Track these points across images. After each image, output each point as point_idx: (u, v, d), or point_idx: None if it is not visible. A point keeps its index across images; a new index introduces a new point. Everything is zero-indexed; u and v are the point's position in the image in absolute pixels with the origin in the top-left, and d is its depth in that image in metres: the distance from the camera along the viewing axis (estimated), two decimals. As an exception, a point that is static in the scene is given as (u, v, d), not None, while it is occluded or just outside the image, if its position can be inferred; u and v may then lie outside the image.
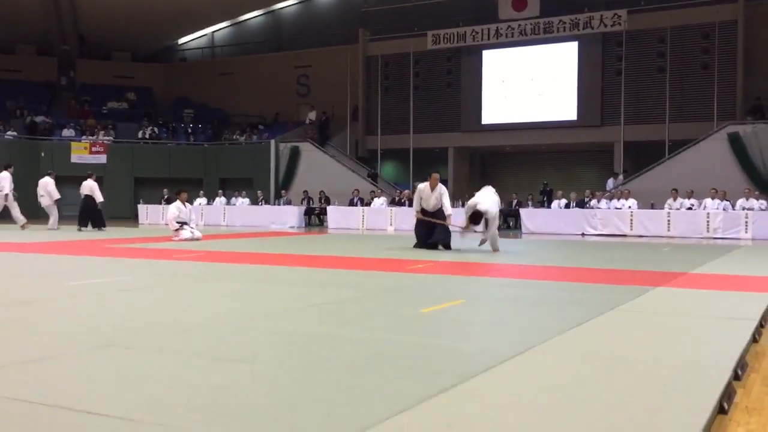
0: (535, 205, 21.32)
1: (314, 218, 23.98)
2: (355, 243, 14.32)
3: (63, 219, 18.42)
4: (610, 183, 22.83)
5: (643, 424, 2.53)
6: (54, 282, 6.82)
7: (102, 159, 27.02)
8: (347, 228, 20.49)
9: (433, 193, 11.75)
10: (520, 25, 25.13)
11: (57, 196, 17.67)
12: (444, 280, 7.38)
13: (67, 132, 28.03)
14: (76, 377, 3.17)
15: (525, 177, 27.66)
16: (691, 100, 23.41)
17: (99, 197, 17.82)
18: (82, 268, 8.35)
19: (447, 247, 11.36)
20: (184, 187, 15.17)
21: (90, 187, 17.81)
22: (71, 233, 16.01)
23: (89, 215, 17.62)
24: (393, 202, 21.90)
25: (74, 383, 3.06)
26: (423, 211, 11.75)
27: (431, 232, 11.57)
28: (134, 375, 3.21)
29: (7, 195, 16.89)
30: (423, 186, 11.90)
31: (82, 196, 17.76)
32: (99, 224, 17.51)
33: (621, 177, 22.68)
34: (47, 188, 17.63)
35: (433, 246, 11.34)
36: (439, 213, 11.61)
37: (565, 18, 24.49)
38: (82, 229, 17.22)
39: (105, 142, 27.72)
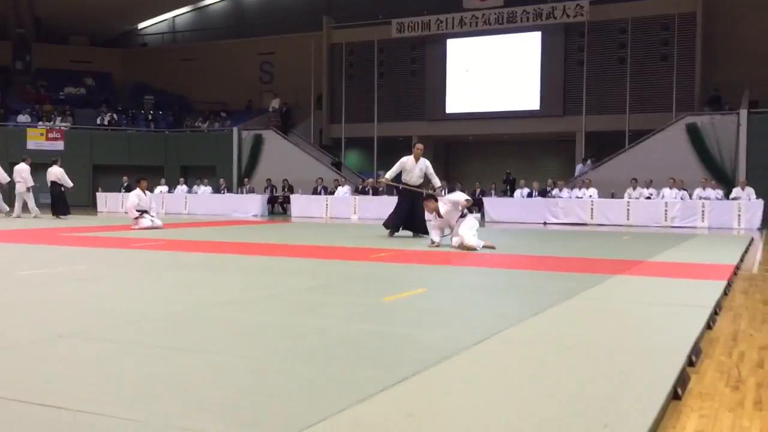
0: (498, 194, 21.47)
1: (277, 207, 23.82)
2: (318, 232, 14.26)
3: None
4: (579, 168, 23.09)
5: (600, 409, 2.55)
6: (3, 272, 6.65)
7: (59, 146, 26.42)
8: (311, 217, 20.40)
9: (417, 165, 11.37)
10: (484, 14, 25.21)
11: (31, 183, 17.49)
12: (407, 269, 7.38)
13: (23, 118, 27.35)
14: (28, 369, 3.09)
15: (488, 166, 27.86)
16: (650, 91, 23.78)
17: (68, 183, 17.59)
18: (36, 258, 8.16)
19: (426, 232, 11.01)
20: (145, 175, 14.96)
21: (56, 173, 17.54)
22: (32, 221, 15.67)
23: (56, 201, 17.42)
24: (357, 191, 21.86)
25: (25, 375, 2.98)
26: (405, 187, 11.35)
27: (412, 215, 11.24)
28: (88, 366, 3.14)
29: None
30: (407, 158, 11.50)
31: (49, 183, 17.51)
32: (62, 211, 17.25)
33: (590, 162, 22.94)
34: (22, 174, 17.41)
35: (410, 230, 11.06)
36: (421, 188, 11.26)
37: (528, 8, 24.64)
38: (61, 216, 16.97)
39: (62, 128, 27.11)
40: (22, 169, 17.49)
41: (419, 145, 11.59)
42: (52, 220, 16.40)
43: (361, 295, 5.42)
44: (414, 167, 11.41)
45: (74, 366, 3.14)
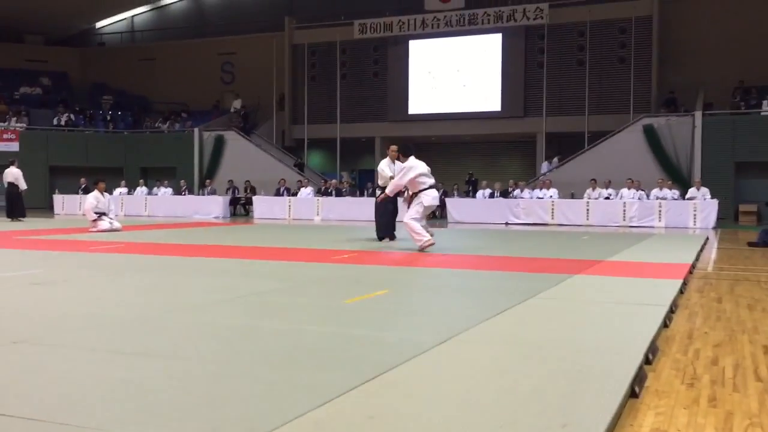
0: (460, 195, 21.59)
1: (240, 208, 23.62)
2: (281, 233, 14.17)
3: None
4: (545, 166, 23.34)
5: (559, 409, 2.58)
6: (-41, 276, 6.47)
7: (14, 147, 25.81)
8: (273, 218, 20.27)
9: (395, 167, 10.86)
10: (446, 16, 25.35)
11: None
12: (369, 271, 7.38)
13: (-24, 118, 26.65)
14: (-21, 377, 3.01)
15: (451, 167, 27.97)
16: (609, 93, 24.19)
17: (22, 185, 17.25)
18: (-9, 262, 7.94)
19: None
20: (103, 176, 14.70)
21: (13, 174, 17.20)
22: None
23: (12, 204, 17.07)
24: (320, 192, 21.79)
25: (-24, 384, 2.90)
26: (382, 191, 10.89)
27: (393, 219, 11.03)
28: (43, 373, 3.07)
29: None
30: (384, 162, 11.11)
31: (5, 185, 17.17)
32: (19, 214, 16.89)
33: (556, 160, 23.18)
34: None
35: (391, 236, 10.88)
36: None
37: (489, 10, 24.86)
38: (17, 219, 16.65)
39: (17, 129, 26.48)
40: None
41: (393, 147, 11.20)
42: (6, 222, 16.02)
43: (323, 297, 5.41)
44: (393, 169, 11.01)
45: (28, 373, 3.06)
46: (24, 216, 16.96)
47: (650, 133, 21.19)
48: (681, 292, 5.89)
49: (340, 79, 26.74)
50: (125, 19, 34.53)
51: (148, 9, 33.94)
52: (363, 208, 19.74)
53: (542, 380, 2.98)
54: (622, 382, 2.94)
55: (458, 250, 9.85)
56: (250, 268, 7.43)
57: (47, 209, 23.79)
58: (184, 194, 23.04)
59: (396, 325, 4.31)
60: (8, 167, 17.48)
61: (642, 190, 18.58)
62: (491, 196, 20.06)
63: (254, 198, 21.98)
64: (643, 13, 23.50)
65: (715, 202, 17.17)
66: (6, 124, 26.62)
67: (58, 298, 5.24)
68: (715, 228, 16.46)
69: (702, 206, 17.12)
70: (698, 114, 20.62)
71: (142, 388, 2.83)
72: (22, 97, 29.28)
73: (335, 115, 26.42)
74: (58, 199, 23.21)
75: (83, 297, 5.36)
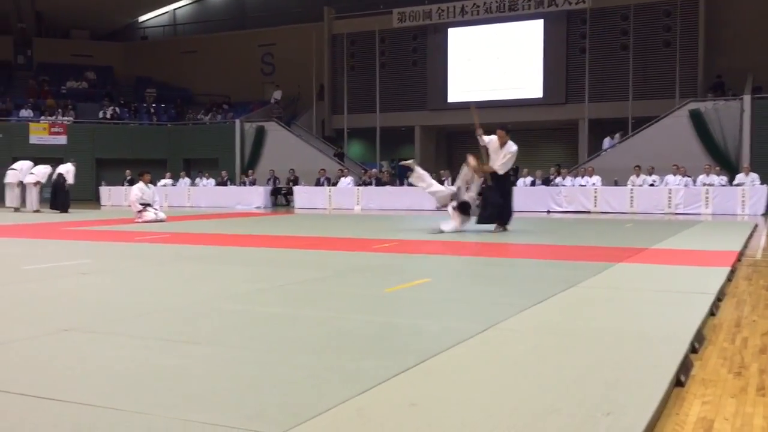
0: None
1: (281, 198, 23.83)
2: (321, 223, 14.26)
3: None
4: (607, 142, 22.94)
5: (602, 398, 2.55)
6: (8, 266, 6.67)
7: (62, 140, 26.46)
8: (314, 208, 20.41)
9: (502, 150, 10.65)
10: (485, 2, 25.09)
11: (43, 179, 17.97)
12: (410, 259, 7.38)
13: (25, 112, 27.36)
14: (32, 363, 3.10)
15: (491, 155, 27.74)
16: (653, 78, 23.66)
17: (70, 179, 17.83)
18: (40, 252, 8.18)
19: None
20: (147, 168, 14.97)
21: (66, 168, 17.83)
22: (33, 216, 15.71)
23: (57, 195, 17.60)
24: (360, 182, 21.85)
25: (30, 369, 2.99)
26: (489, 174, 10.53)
27: (507, 203, 10.58)
28: (92, 360, 3.15)
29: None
30: (490, 139, 10.74)
31: (56, 176, 17.76)
32: (62, 207, 17.36)
33: (618, 136, 22.74)
34: (37, 170, 17.88)
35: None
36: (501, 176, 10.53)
37: (530, -5, 24.51)
38: (62, 211, 17.19)
39: (65, 122, 27.12)
40: (24, 165, 17.90)
41: (501, 132, 10.93)
42: (53, 214, 16.45)
43: (364, 286, 5.43)
44: (498, 152, 10.76)
45: (78, 360, 3.15)
46: (67, 210, 17.34)
47: (697, 118, 20.68)
48: (729, 279, 5.76)
49: (380, 68, 26.69)
50: (167, 12, 35.01)
51: (190, 2, 34.36)
52: (403, 197, 19.76)
53: (585, 369, 2.95)
54: (668, 371, 2.89)
55: (499, 239, 9.77)
56: (291, 258, 7.50)
57: (94, 201, 24.36)
58: (227, 185, 23.35)
59: (437, 313, 4.31)
60: (65, 163, 18.15)
61: (688, 176, 18.19)
62: (532, 184, 19.85)
63: (295, 188, 22.15)
64: (689, -5, 22.91)
65: (765, 188, 16.73)
66: (54, 117, 27.28)
67: (105, 288, 5.37)
68: (764, 215, 16.04)
69: (751, 192, 16.69)
70: (747, 98, 20.05)
71: (187, 374, 2.88)
72: (68, 91, 29.96)
73: (374, 105, 26.40)
74: (104, 190, 23.74)
75: (130, 286, 5.48)
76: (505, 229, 10.56)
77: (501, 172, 10.46)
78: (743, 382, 3.01)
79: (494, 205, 10.56)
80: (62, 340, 3.53)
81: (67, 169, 17.75)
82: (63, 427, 2.29)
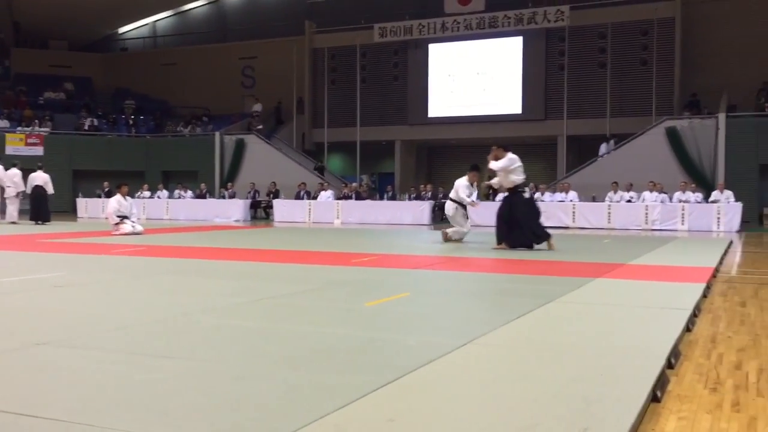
0: (480, 198, 21.46)
1: (260, 211, 23.71)
2: (301, 237, 14.21)
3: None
4: (603, 148, 23.06)
5: (580, 413, 2.56)
6: (-16, 279, 6.56)
7: (38, 151, 26.14)
8: (293, 221, 20.34)
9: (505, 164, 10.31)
10: (465, 19, 25.31)
11: (22, 188, 17.53)
12: (390, 273, 7.37)
13: (2, 123, 27.03)
14: (4, 378, 3.05)
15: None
16: (630, 95, 23.98)
17: (50, 189, 17.62)
18: (14, 264, 8.05)
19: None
20: (125, 180, 14.84)
21: (42, 178, 17.52)
22: (9, 228, 15.48)
23: (39, 207, 17.31)
24: (340, 196, 21.83)
25: (2, 384, 2.94)
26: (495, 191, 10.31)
27: (517, 224, 10.13)
28: (67, 374, 3.10)
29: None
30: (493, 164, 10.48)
31: (29, 189, 17.42)
32: (44, 218, 17.15)
33: (612, 142, 22.88)
34: (14, 179, 17.39)
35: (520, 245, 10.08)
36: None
37: (509, 13, 24.76)
38: (42, 222, 16.91)
39: (41, 133, 26.84)
40: (15, 174, 17.46)
41: (494, 148, 10.81)
42: (30, 226, 16.23)
43: (344, 300, 5.41)
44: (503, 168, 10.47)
45: (52, 374, 3.10)
46: (48, 220, 17.17)
47: (673, 136, 20.98)
48: (704, 295, 5.82)
49: (360, 82, 26.78)
50: (147, 24, 34.90)
51: (170, 14, 34.27)
52: (383, 211, 19.77)
53: (563, 384, 2.96)
54: (644, 386, 2.91)
55: (478, 254, 9.80)
56: (270, 271, 7.46)
57: (71, 212, 24.07)
58: (206, 197, 23.20)
59: (416, 328, 4.31)
60: (35, 171, 17.71)
61: (664, 192, 18.39)
62: (511, 199, 19.92)
63: (275, 201, 22.05)
64: (666, 15, 23.28)
65: (739, 205, 16.96)
66: (31, 128, 26.99)
67: (81, 301, 5.30)
68: (739, 231, 16.25)
69: (726, 209, 16.91)
70: (722, 116, 20.38)
71: (163, 389, 2.85)
72: (46, 102, 29.69)
73: (355, 119, 26.46)
74: (81, 202, 23.47)
75: (106, 299, 5.41)
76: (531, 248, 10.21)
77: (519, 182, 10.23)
78: (719, 397, 3.04)
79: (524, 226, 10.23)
80: (35, 355, 3.47)
81: (44, 180, 17.47)
82: (35, 443, 2.25)
